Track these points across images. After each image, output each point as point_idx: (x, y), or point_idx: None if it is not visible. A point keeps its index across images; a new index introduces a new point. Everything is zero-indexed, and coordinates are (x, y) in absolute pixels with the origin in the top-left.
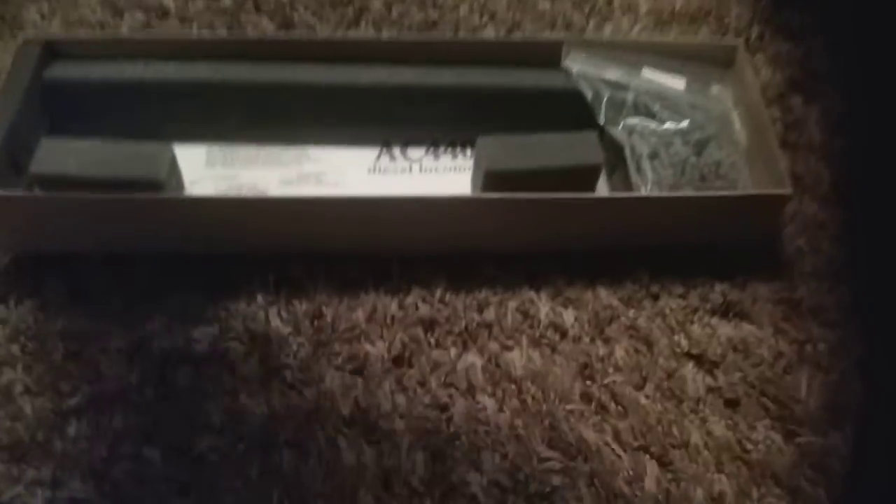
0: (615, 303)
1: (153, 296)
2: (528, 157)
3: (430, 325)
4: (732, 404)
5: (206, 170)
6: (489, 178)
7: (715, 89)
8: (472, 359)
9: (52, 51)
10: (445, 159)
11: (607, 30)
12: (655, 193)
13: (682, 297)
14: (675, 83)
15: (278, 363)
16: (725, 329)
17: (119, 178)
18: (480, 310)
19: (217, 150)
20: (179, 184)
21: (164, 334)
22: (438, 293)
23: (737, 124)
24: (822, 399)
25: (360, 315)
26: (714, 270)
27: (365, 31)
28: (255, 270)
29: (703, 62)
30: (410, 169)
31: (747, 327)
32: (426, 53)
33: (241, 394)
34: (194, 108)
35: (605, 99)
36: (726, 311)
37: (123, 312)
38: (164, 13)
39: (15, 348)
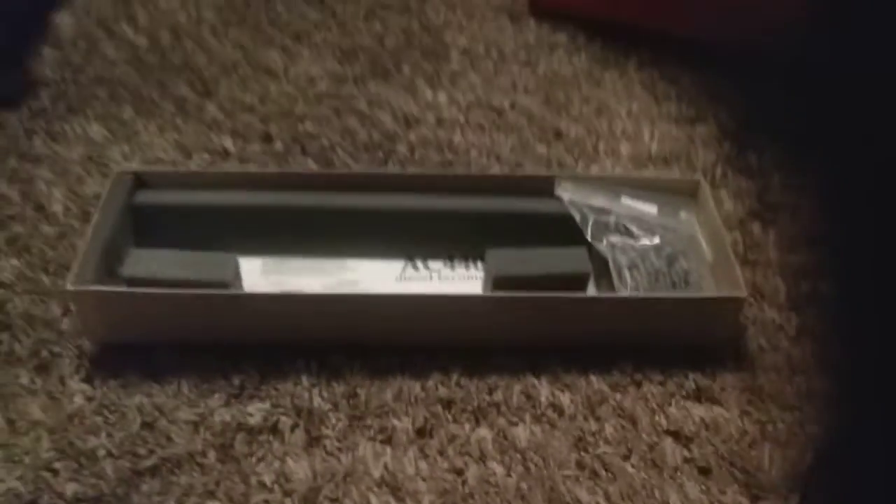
0: (604, 388)
1: (216, 377)
2: (530, 266)
3: (447, 404)
4: (705, 472)
5: (262, 277)
6: (497, 283)
7: (683, 215)
8: (484, 432)
9: (140, 180)
10: (460, 270)
11: (593, 169)
12: (632, 294)
13: (661, 384)
14: (649, 209)
15: (320, 434)
16: (698, 411)
17: (193, 280)
18: (490, 392)
19: (271, 262)
20: (241, 288)
21: (224, 409)
22: (455, 378)
23: (703, 244)
24: (782, 469)
25: (388, 395)
26: (688, 363)
27: (392, 170)
28: (301, 357)
29: (672, 193)
30: (431, 277)
31: (717, 409)
32: (444, 184)
33: (289, 458)
34: (254, 227)
35: (591, 221)
36: (699, 395)
37: (191, 391)
38: (226, 154)
39: (99, 420)
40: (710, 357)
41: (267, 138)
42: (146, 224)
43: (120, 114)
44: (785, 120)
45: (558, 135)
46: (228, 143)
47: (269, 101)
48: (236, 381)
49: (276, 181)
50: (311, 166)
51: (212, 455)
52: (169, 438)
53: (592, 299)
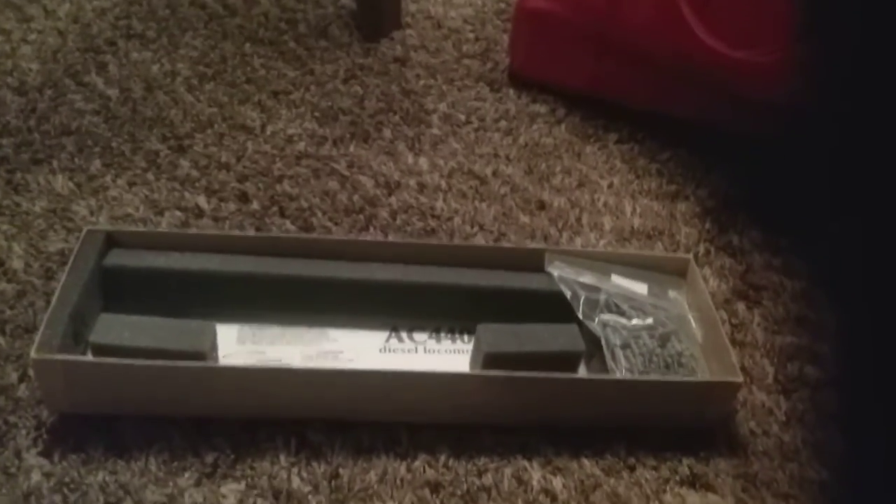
0: (597, 472)
1: (186, 453)
2: (521, 343)
3: (435, 487)
4: None
5: (238, 346)
6: (488, 359)
7: (672, 294)
8: None
9: (112, 239)
10: (446, 343)
11: (577, 242)
12: (629, 377)
13: (655, 468)
14: (639, 287)
15: None
16: (694, 499)
17: (167, 350)
18: (480, 475)
19: (248, 329)
20: (216, 357)
21: (196, 489)
22: (442, 459)
23: (693, 324)
24: None
25: (372, 476)
26: (681, 446)
27: (374, 235)
28: (279, 434)
29: (661, 272)
30: (416, 350)
31: (713, 497)
32: (430, 254)
33: None
34: (230, 294)
35: (582, 298)
36: (693, 482)
37: (159, 468)
38: (199, 213)
39: (58, 499)
40: (702, 441)
41: (243, 198)
42: (117, 287)
43: (87, 166)
44: (765, 201)
45: (542, 206)
46: (202, 201)
47: (245, 159)
48: (209, 459)
49: (255, 245)
50: (289, 228)
51: None
52: None
53: (592, 381)
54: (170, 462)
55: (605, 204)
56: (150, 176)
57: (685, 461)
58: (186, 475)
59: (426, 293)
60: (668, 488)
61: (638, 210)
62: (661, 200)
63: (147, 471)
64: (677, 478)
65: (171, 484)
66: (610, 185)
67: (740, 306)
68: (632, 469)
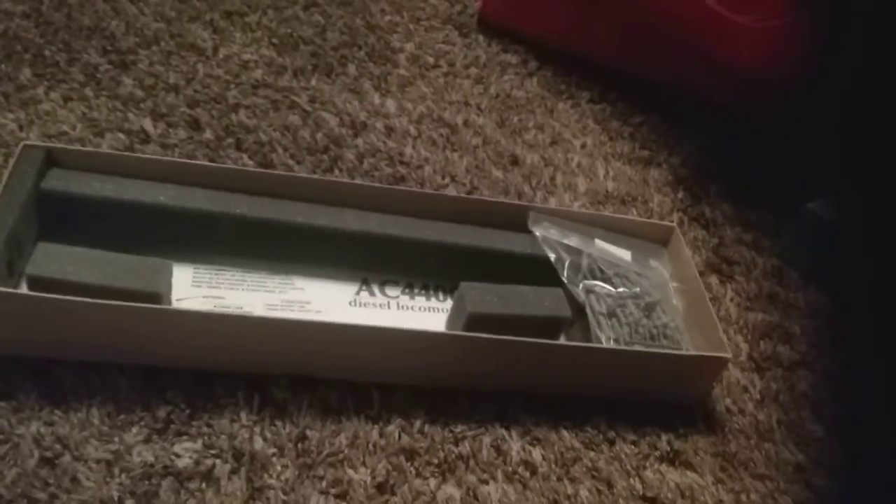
0: (577, 444)
1: (135, 407)
2: (506, 304)
3: (410, 454)
4: None
5: (193, 289)
6: (472, 320)
7: (653, 263)
8: (452, 490)
9: (52, 158)
10: (420, 299)
11: (552, 202)
12: (622, 347)
13: (635, 443)
14: (623, 254)
15: (262, 483)
16: (673, 476)
17: (117, 288)
18: (457, 442)
19: (204, 272)
20: (170, 301)
21: (145, 446)
22: (417, 424)
23: (672, 296)
24: None
25: (342, 440)
26: (660, 422)
27: (340, 179)
28: (240, 389)
29: (643, 239)
30: (389, 305)
31: (691, 475)
32: (408, 203)
33: None
34: (186, 231)
35: (567, 262)
36: (673, 459)
37: (102, 421)
38: (145, 138)
39: None
40: (681, 416)
41: (194, 125)
42: (56, 212)
43: (16, 75)
44: (736, 174)
45: (515, 161)
46: (148, 124)
47: (195, 82)
48: (161, 413)
49: (215, 177)
50: (247, 163)
51: None
52: (75, 480)
53: (583, 349)
54: (115, 415)
55: (578, 164)
56: (88, 92)
57: (664, 437)
58: (134, 430)
59: (402, 247)
60: (647, 464)
61: (611, 173)
62: (634, 165)
63: (89, 423)
64: (657, 453)
65: (116, 440)
66: (583, 146)
67: (713, 280)
68: (611, 443)
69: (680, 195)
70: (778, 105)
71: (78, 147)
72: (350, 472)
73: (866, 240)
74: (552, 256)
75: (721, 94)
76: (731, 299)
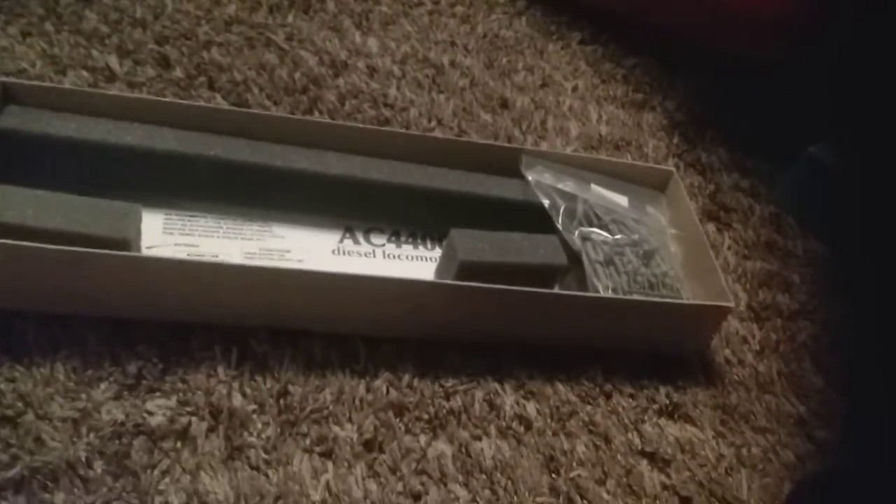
0: (573, 398)
1: (103, 361)
2: (500, 252)
3: (399, 410)
4: (686, 501)
5: (165, 236)
6: (463, 268)
7: (650, 209)
8: (443, 447)
9: (8, 94)
10: (407, 248)
11: (543, 146)
12: (618, 295)
13: (633, 396)
14: (620, 200)
15: (243, 442)
16: (673, 430)
17: (83, 234)
18: (447, 397)
19: (176, 218)
20: (139, 248)
21: (115, 403)
22: (406, 378)
23: (670, 243)
24: (761, 499)
25: (327, 396)
26: (658, 374)
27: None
28: (217, 342)
29: (639, 184)
30: (374, 254)
31: (691, 429)
32: (394, 145)
33: (203, 473)
34: (156, 174)
35: (562, 209)
36: (672, 412)
37: (68, 377)
38: (110, 76)
39: None
40: (679, 368)
41: (164, 62)
42: (13, 152)
43: None
44: (731, 118)
45: (504, 104)
46: (114, 61)
47: (164, 17)
48: (131, 368)
49: (186, 116)
50: (220, 103)
51: (98, 466)
52: (39, 440)
53: (584, 298)
54: (82, 370)
55: (570, 108)
56: (48, 26)
57: (662, 389)
58: (103, 387)
59: (388, 192)
60: (646, 418)
61: (604, 117)
62: (627, 109)
63: (54, 379)
64: (655, 406)
65: (83, 396)
66: (574, 88)
67: (710, 228)
68: (608, 396)
69: (675, 140)
70: (775, 48)
71: (41, 83)
72: (335, 428)
73: (865, 186)
74: (546, 202)
75: (717, 36)
76: (729, 247)
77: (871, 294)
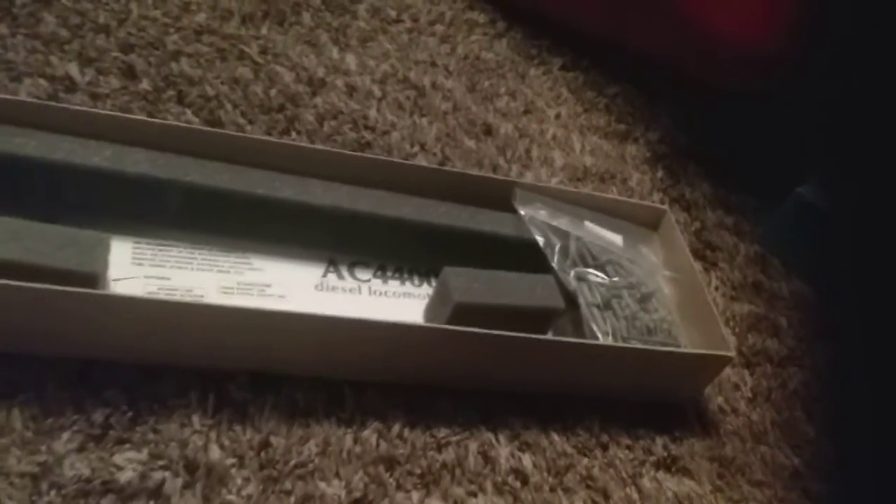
0: (569, 449)
1: (65, 408)
2: (496, 294)
3: (390, 464)
4: None
5: (134, 267)
6: (458, 310)
7: (643, 249)
8: None
9: None
10: (394, 284)
11: (528, 177)
12: (618, 343)
13: (629, 448)
14: (615, 238)
15: (221, 500)
16: (671, 484)
17: (45, 267)
18: (440, 449)
19: (146, 247)
20: (106, 281)
21: (79, 456)
22: (395, 428)
23: (665, 286)
24: None
25: (312, 448)
26: (653, 423)
27: (298, 142)
28: (192, 387)
29: (631, 222)
30: (360, 290)
31: (689, 483)
32: (381, 174)
33: None
34: (126, 200)
35: (557, 247)
36: (669, 465)
37: (26, 426)
38: (71, 86)
39: None
40: (674, 418)
41: (129, 73)
42: None
43: None
44: (714, 153)
45: (488, 130)
46: (74, 70)
47: (129, 23)
48: (97, 417)
49: (157, 135)
50: (191, 120)
51: None
52: None
53: (586, 346)
54: (42, 418)
55: (553, 137)
56: (3, 29)
57: (659, 440)
58: (65, 437)
59: (375, 225)
60: (643, 471)
61: (588, 148)
62: (611, 140)
63: (9, 429)
64: (653, 458)
65: (43, 448)
66: (557, 116)
67: (697, 267)
68: (605, 447)
69: (659, 174)
70: (756, 83)
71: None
72: (322, 485)
73: (855, 229)
74: (540, 240)
75: (699, 68)
76: (717, 288)
77: (859, 337)
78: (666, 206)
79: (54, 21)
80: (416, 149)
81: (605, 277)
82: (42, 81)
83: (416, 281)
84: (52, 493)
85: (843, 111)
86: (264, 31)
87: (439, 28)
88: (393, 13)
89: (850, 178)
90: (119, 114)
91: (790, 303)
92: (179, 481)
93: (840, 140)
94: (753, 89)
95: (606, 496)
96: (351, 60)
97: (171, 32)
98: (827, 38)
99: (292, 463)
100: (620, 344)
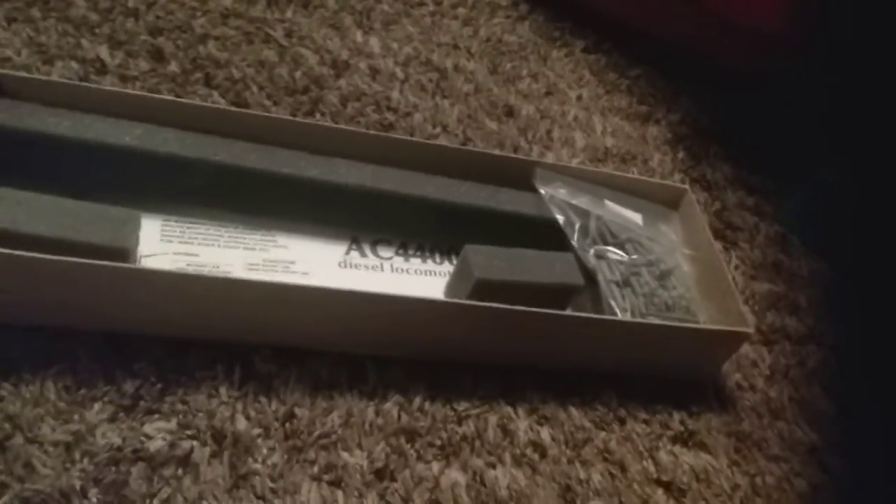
0: (587, 423)
1: (97, 380)
2: (516, 271)
3: (410, 435)
4: None
5: (163, 244)
6: (479, 286)
7: (663, 227)
8: (456, 475)
9: None
10: (415, 261)
11: (549, 158)
12: (637, 319)
13: (646, 422)
14: (634, 217)
15: (247, 469)
16: (687, 457)
17: (78, 242)
18: (460, 422)
19: (175, 225)
20: (137, 257)
21: (110, 426)
22: (416, 402)
23: (684, 263)
24: None
25: (335, 419)
26: (671, 398)
27: (322, 123)
28: (219, 360)
29: (652, 201)
30: (382, 267)
31: (705, 457)
32: (405, 153)
33: (206, 503)
34: (155, 179)
35: (577, 225)
36: (686, 439)
37: (59, 396)
38: (102, 68)
39: None
40: (691, 394)
41: (158, 56)
42: (4, 149)
43: None
44: (736, 134)
45: (510, 112)
46: (105, 53)
47: (157, 7)
48: (128, 388)
49: (186, 116)
50: (218, 101)
51: (94, 495)
52: (29, 466)
53: (605, 322)
54: (74, 389)
55: (574, 118)
56: (35, 12)
57: (676, 415)
58: (97, 407)
59: (398, 204)
60: (661, 445)
61: (609, 129)
62: (632, 121)
63: (44, 399)
64: (670, 433)
65: (76, 418)
66: (579, 98)
67: (717, 246)
68: (622, 422)
69: (680, 155)
70: (772, 62)
71: (26, 74)
72: (345, 455)
73: (874, 209)
74: (561, 219)
75: (716, 48)
76: (736, 267)
77: (876, 316)
78: (686, 186)
79: (84, 5)
80: (439, 130)
81: (625, 255)
82: (73, 64)
83: (438, 259)
84: (85, 460)
85: (851, 91)
86: (289, 14)
87: (462, 11)
88: None
89: (868, 160)
90: (148, 94)
91: (809, 282)
92: (207, 450)
93: (855, 122)
94: (768, 69)
95: (623, 469)
96: (374, 43)
97: (198, 16)
98: (835, 22)
99: (316, 434)
100: (639, 320)
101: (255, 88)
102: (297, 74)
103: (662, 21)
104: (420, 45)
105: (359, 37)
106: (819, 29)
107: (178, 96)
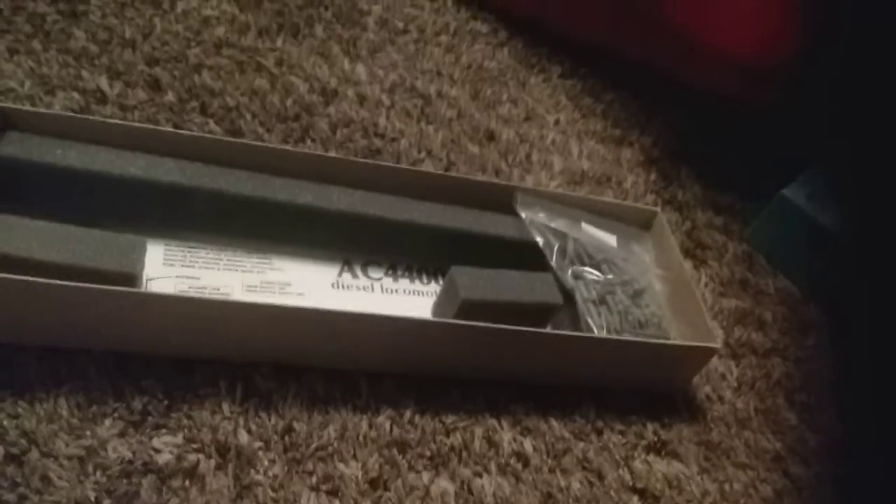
0: (567, 434)
1: (107, 397)
2: (499, 291)
3: (402, 447)
4: None
5: (165, 268)
6: (465, 306)
7: (636, 248)
8: (445, 484)
9: (6, 119)
10: (404, 282)
11: (528, 180)
12: (612, 335)
13: (622, 433)
14: (609, 239)
15: (250, 480)
16: (660, 466)
17: (88, 268)
18: (448, 433)
19: (176, 250)
20: (142, 281)
21: (121, 440)
22: (407, 415)
23: (656, 283)
24: None
25: (331, 432)
26: (644, 410)
27: (313, 149)
28: (221, 377)
29: (626, 223)
30: (372, 288)
31: (677, 465)
32: (392, 180)
33: None
34: (158, 206)
35: (556, 247)
36: (659, 449)
37: (72, 413)
38: (102, 98)
39: None
40: (664, 406)
41: (155, 85)
42: (12, 181)
43: None
44: (704, 156)
45: (491, 136)
46: (104, 83)
47: (153, 38)
48: (136, 404)
49: (184, 145)
50: (214, 129)
51: None
52: (46, 479)
53: (581, 339)
54: (86, 406)
55: (552, 142)
56: (36, 44)
57: (650, 426)
58: (108, 423)
59: (387, 228)
60: (635, 454)
61: (585, 152)
62: (607, 144)
63: (57, 415)
64: (644, 443)
65: (88, 433)
66: (556, 122)
67: (687, 265)
68: (599, 433)
69: (653, 177)
70: (748, 91)
71: (32, 108)
72: (341, 466)
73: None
74: (540, 240)
75: (695, 78)
76: (706, 284)
77: (839, 331)
78: (658, 208)
79: (84, 36)
80: (424, 154)
81: (600, 275)
82: (75, 94)
83: (425, 279)
84: (98, 473)
85: (836, 120)
86: (279, 43)
87: (444, 38)
88: (400, 24)
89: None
90: (150, 126)
91: (775, 298)
92: (212, 462)
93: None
94: (747, 99)
95: (601, 477)
96: (361, 70)
97: (192, 46)
98: (824, 52)
99: (313, 446)
100: (614, 337)
101: (248, 116)
102: (289, 102)
103: (638, 48)
104: (405, 72)
105: (346, 64)
106: (806, 60)
107: (175, 125)
